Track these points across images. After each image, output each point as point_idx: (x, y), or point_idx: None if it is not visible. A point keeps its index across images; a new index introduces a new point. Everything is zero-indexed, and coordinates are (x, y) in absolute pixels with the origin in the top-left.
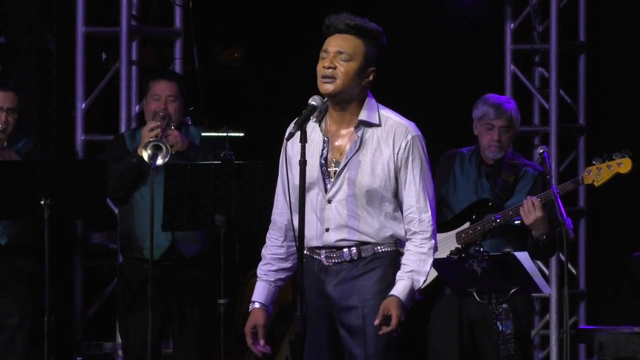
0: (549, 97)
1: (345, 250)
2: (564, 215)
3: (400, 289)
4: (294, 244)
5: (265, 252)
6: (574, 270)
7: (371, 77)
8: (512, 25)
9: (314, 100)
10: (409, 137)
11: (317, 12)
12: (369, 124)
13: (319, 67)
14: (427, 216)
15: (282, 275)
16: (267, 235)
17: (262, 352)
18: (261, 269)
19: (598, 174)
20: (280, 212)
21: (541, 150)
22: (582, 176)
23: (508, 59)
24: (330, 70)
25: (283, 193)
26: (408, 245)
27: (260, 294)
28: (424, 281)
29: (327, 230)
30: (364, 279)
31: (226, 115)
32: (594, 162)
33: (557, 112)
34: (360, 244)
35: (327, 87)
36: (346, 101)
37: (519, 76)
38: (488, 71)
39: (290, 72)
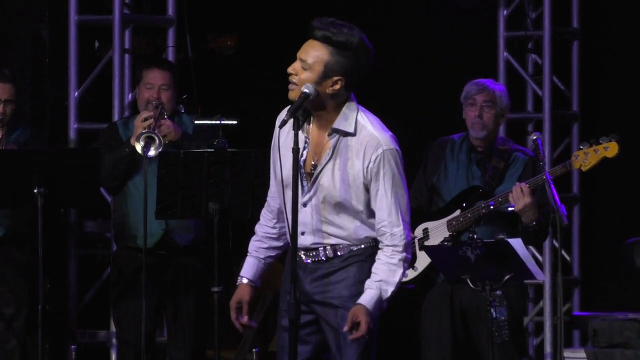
0: (543, 84)
1: (320, 249)
2: (558, 201)
3: (367, 298)
4: (285, 225)
5: (258, 228)
6: (567, 257)
7: (337, 86)
8: (505, 12)
9: (307, 88)
10: (379, 150)
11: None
12: (344, 133)
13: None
14: (399, 230)
15: (273, 253)
16: (262, 212)
17: (245, 327)
18: (252, 245)
19: (585, 158)
20: (273, 196)
21: (535, 137)
22: (570, 161)
23: (501, 46)
24: (290, 76)
25: (275, 178)
26: (379, 254)
27: (248, 269)
28: (393, 292)
29: (302, 233)
30: (339, 274)
31: (219, 103)
32: (581, 147)
33: (550, 99)
34: (336, 244)
35: (289, 94)
36: (316, 107)
37: (512, 63)
38: (481, 58)
39: (283, 60)
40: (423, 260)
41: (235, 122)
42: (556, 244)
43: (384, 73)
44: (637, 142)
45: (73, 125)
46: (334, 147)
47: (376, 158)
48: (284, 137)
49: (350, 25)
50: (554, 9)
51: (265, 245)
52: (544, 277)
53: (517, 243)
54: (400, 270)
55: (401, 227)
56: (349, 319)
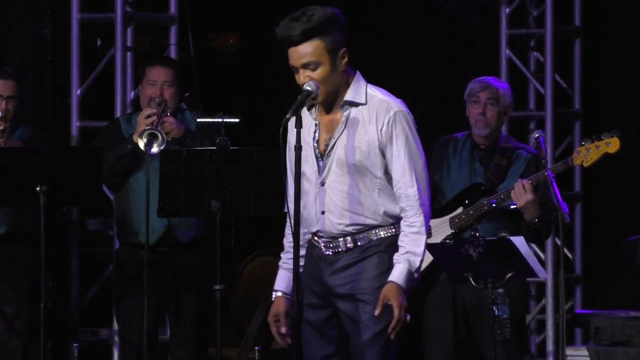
0: (545, 81)
1: (340, 240)
2: (560, 199)
3: (397, 273)
4: (307, 230)
5: (285, 241)
6: (570, 255)
7: (345, 59)
8: (507, 10)
9: (309, 86)
10: (391, 112)
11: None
12: (355, 104)
13: (297, 80)
14: (413, 191)
15: (302, 262)
16: (286, 224)
17: (285, 340)
18: (282, 258)
19: (587, 154)
20: (291, 200)
21: (537, 135)
22: (571, 157)
23: (503, 44)
24: (304, 85)
25: (288, 184)
26: (402, 225)
27: (281, 282)
28: (421, 260)
29: (322, 213)
30: (359, 266)
31: (221, 101)
32: (583, 143)
33: (552, 97)
34: (355, 233)
35: (315, 101)
36: (334, 94)
37: (514, 61)
38: (483, 56)
39: (285, 58)
40: (425, 258)
41: (237, 120)
42: (558, 242)
43: (386, 71)
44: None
45: (75, 124)
46: (347, 118)
47: (389, 120)
48: (292, 133)
49: (305, 8)
50: (556, 7)
51: (292, 256)
52: (546, 274)
53: (519, 241)
54: (423, 238)
55: (415, 187)
56: (380, 301)
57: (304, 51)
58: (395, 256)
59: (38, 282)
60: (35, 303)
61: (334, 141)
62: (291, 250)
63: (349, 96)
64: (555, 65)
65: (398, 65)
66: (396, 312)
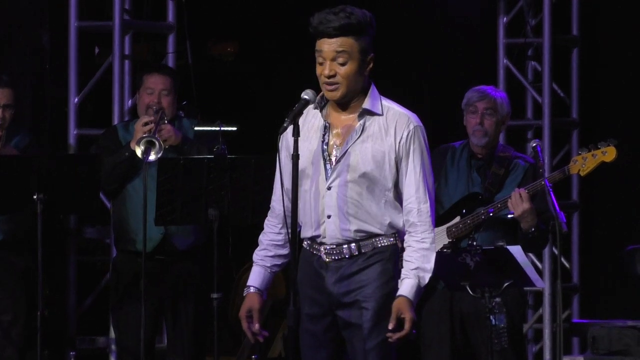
0: (542, 91)
1: (344, 246)
2: (557, 208)
3: (407, 288)
4: (303, 235)
5: (262, 237)
6: (567, 264)
7: (371, 65)
8: (504, 19)
9: (306, 94)
10: (411, 126)
11: (312, 7)
12: (372, 113)
13: (319, 71)
14: (426, 207)
15: (278, 262)
16: (265, 221)
17: (256, 336)
18: (257, 254)
19: (584, 163)
20: (278, 199)
21: (534, 144)
22: (568, 166)
23: (501, 53)
24: (331, 77)
25: (280, 181)
26: (408, 240)
27: (255, 278)
28: (430, 277)
29: (328, 217)
30: (363, 274)
31: (219, 109)
32: (579, 152)
33: (550, 106)
34: (360, 240)
35: (334, 95)
36: (352, 96)
37: (512, 70)
38: (481, 65)
39: (283, 67)
40: None
41: (235, 128)
42: (555, 251)
43: (384, 80)
44: (637, 149)
45: (73, 132)
46: (363, 126)
47: (408, 134)
48: (290, 141)
49: (344, 6)
50: (554, 16)
51: (271, 254)
52: (543, 284)
53: (516, 250)
54: (433, 255)
55: (428, 204)
56: (394, 315)
57: (338, 44)
58: (404, 271)
59: (35, 289)
60: (32, 311)
61: (348, 147)
62: (269, 247)
63: (366, 104)
64: (552, 75)
65: (396, 73)
66: (407, 325)
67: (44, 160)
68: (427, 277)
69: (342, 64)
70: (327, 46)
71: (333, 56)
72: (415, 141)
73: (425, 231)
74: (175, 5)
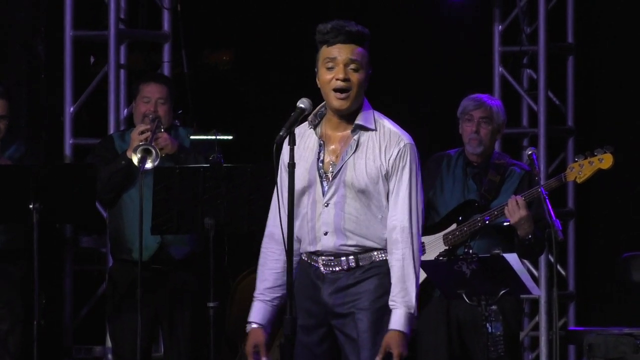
0: (538, 98)
1: (343, 258)
2: (553, 216)
3: (396, 319)
4: (301, 250)
5: (261, 269)
6: (563, 272)
7: (367, 82)
8: (500, 27)
9: (302, 103)
10: (402, 144)
11: (306, 15)
12: (365, 128)
13: (327, 78)
14: (409, 225)
15: (279, 294)
16: (263, 250)
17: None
18: (257, 289)
19: (580, 170)
20: (277, 225)
21: (530, 152)
22: (564, 174)
23: (496, 61)
24: (345, 82)
25: (277, 207)
26: (390, 259)
27: (256, 315)
28: (416, 294)
29: (325, 234)
30: (360, 286)
31: (215, 118)
32: (576, 159)
33: (545, 114)
34: (358, 253)
35: (343, 103)
36: (353, 109)
37: (507, 78)
38: (476, 73)
39: (279, 75)
40: (420, 275)
41: (230, 137)
42: (551, 259)
43: (379, 88)
44: (632, 156)
45: (68, 141)
46: (357, 142)
47: (399, 151)
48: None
49: (350, 21)
50: (549, 24)
51: (271, 285)
52: (539, 292)
53: (512, 258)
54: (411, 268)
55: (411, 222)
56: (382, 349)
57: (352, 51)
58: (390, 302)
59: (31, 299)
60: (29, 320)
61: (342, 162)
62: (269, 277)
63: (360, 120)
64: (548, 82)
65: (391, 82)
66: None
67: (40, 170)
68: (412, 297)
69: (355, 70)
70: (345, 50)
71: (347, 62)
72: (405, 158)
73: (405, 247)
74: (171, 14)
